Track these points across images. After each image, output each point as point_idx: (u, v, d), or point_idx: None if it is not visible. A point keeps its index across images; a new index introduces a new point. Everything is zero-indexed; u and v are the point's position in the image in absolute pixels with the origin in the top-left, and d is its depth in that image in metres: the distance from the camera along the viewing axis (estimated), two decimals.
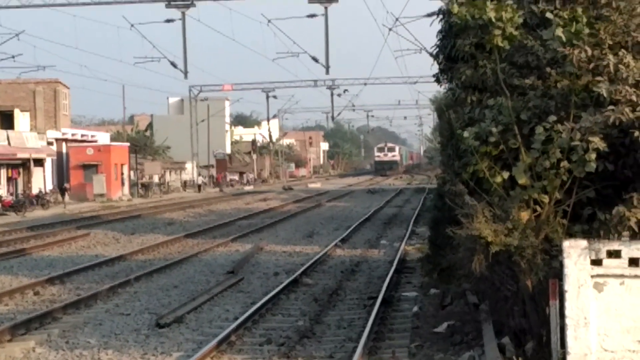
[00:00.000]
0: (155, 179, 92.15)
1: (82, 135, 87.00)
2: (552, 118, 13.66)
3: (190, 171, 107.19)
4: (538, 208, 13.73)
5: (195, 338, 17.69)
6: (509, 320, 14.74)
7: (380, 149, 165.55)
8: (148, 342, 17.49)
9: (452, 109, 16.75)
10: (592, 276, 12.68)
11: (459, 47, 15.80)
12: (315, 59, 69.57)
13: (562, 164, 13.40)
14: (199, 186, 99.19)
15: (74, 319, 20.00)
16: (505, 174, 13.98)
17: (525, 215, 13.52)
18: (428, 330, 17.63)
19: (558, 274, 12.99)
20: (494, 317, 15.61)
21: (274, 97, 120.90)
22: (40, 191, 67.33)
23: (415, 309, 20.11)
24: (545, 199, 13.68)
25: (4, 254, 33.44)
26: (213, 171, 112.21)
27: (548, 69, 14.44)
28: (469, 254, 13.87)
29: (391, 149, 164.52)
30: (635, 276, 12.62)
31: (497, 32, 14.08)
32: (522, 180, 13.68)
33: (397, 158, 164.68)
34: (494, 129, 14.07)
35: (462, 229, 13.73)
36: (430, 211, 29.97)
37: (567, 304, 12.80)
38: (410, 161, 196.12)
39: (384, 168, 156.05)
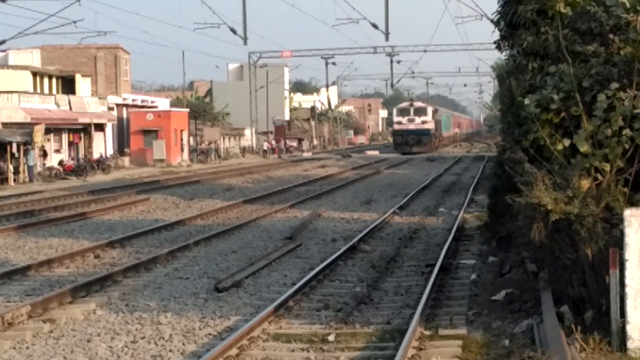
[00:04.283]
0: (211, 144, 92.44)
1: (143, 101, 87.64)
2: (615, 85, 13.53)
3: (249, 137, 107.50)
4: (599, 176, 13.63)
5: (253, 302, 17.79)
6: (568, 288, 14.65)
7: (402, 111, 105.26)
8: (207, 305, 17.63)
9: (513, 76, 16.63)
10: None
11: (521, 13, 15.67)
12: (375, 26, 69.47)
13: (624, 132, 13.28)
14: (265, 152, 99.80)
15: (133, 282, 20.22)
16: (566, 142, 13.87)
17: (586, 183, 13.42)
18: (486, 298, 17.56)
19: (618, 242, 12.91)
20: (553, 285, 15.52)
21: (333, 63, 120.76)
22: (101, 156, 68.00)
23: (474, 276, 20.05)
24: (607, 167, 13.56)
25: (65, 217, 33.86)
26: (271, 137, 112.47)
27: (611, 36, 14.27)
28: (528, 222, 13.81)
29: (419, 111, 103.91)
30: None
31: None
32: (584, 148, 13.56)
33: (430, 126, 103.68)
34: (555, 96, 13.96)
35: (522, 197, 13.67)
36: (490, 179, 29.87)
37: (628, 273, 12.72)
38: (455, 130, 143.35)
39: (406, 142, 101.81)
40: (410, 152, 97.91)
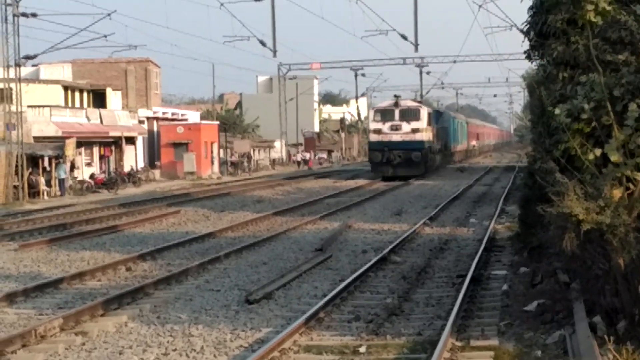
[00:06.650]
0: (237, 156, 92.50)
1: (173, 114, 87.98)
2: None
3: (279, 149, 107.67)
4: (631, 186, 13.55)
5: (284, 314, 17.79)
6: (600, 299, 14.57)
7: (383, 114, 67.33)
8: (238, 317, 17.65)
9: (543, 85, 16.60)
10: None
11: (551, 23, 15.64)
12: (404, 37, 69.25)
13: None
14: (298, 163, 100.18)
15: (165, 295, 20.26)
16: (598, 151, 13.81)
17: (617, 193, 13.34)
18: (518, 309, 17.46)
19: None
20: (585, 296, 15.43)
21: (363, 75, 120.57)
22: (132, 169, 68.29)
23: (505, 287, 19.96)
24: (639, 176, 13.48)
25: (97, 230, 34.00)
26: (300, 149, 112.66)
27: None
28: (559, 232, 13.74)
29: (408, 114, 66.70)
30: None
31: (590, 7, 13.88)
32: (615, 157, 13.49)
33: (424, 136, 67.35)
34: (586, 106, 13.90)
35: (553, 207, 13.60)
36: (521, 189, 29.75)
37: None
38: (472, 142, 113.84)
39: (388, 161, 65.88)
40: (395, 177, 64.84)
